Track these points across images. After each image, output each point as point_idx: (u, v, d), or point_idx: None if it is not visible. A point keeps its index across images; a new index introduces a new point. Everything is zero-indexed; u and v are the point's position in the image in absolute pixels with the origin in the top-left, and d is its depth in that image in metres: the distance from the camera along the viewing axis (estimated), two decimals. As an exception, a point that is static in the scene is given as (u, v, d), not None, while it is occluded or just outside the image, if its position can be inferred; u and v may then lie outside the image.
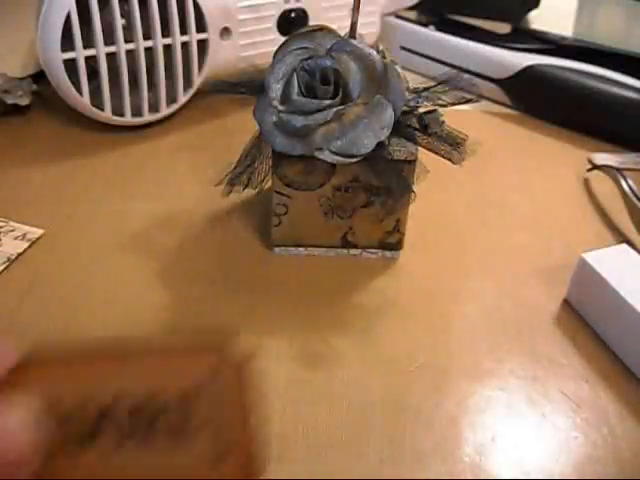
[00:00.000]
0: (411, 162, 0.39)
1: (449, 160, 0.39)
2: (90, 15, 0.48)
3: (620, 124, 0.56)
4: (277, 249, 0.42)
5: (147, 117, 0.54)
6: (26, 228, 0.43)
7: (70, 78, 0.49)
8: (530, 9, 0.75)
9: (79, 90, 0.50)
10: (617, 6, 0.85)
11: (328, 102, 0.37)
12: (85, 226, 0.44)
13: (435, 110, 0.39)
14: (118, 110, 0.52)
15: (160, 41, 0.51)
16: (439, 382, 0.35)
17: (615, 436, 0.33)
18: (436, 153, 0.39)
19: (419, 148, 0.39)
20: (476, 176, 0.51)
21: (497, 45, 0.63)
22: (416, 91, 0.40)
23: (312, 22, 0.59)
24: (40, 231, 0.43)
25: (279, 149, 0.38)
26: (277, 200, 0.40)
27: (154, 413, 0.21)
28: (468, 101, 0.41)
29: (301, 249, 0.42)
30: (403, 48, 0.68)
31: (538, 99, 0.60)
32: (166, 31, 0.52)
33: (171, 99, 0.54)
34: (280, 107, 0.38)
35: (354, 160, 0.37)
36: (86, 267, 0.41)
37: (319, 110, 0.37)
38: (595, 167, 0.51)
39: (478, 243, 0.45)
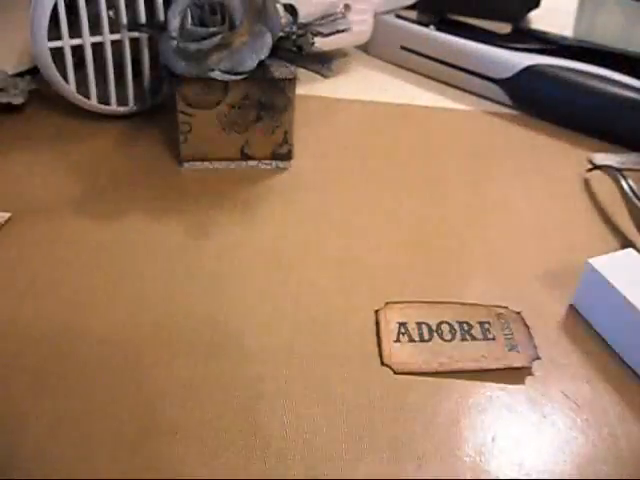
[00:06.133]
0: (290, 80, 0.46)
1: (319, 74, 0.46)
2: (77, 6, 0.49)
3: (620, 124, 0.56)
4: (185, 164, 0.49)
5: (132, 107, 0.54)
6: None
7: (58, 67, 0.51)
8: (530, 9, 0.75)
9: (65, 78, 0.52)
10: (617, 6, 0.84)
11: (216, 29, 0.45)
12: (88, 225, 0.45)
13: (306, 34, 0.47)
14: (104, 99, 0.53)
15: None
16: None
17: (616, 437, 0.33)
18: (309, 70, 0.46)
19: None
20: (476, 176, 0.51)
21: (497, 45, 0.62)
22: (295, 22, 0.48)
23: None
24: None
25: (179, 72, 0.46)
26: (182, 119, 0.47)
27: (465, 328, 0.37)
28: (342, 31, 0.48)
29: (206, 163, 0.49)
30: (403, 48, 0.67)
31: (538, 99, 0.59)
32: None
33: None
34: (178, 37, 0.46)
35: (240, 77, 0.45)
36: (88, 264, 0.41)
37: (209, 36, 0.45)
38: (595, 167, 0.51)
39: (478, 245, 0.45)
